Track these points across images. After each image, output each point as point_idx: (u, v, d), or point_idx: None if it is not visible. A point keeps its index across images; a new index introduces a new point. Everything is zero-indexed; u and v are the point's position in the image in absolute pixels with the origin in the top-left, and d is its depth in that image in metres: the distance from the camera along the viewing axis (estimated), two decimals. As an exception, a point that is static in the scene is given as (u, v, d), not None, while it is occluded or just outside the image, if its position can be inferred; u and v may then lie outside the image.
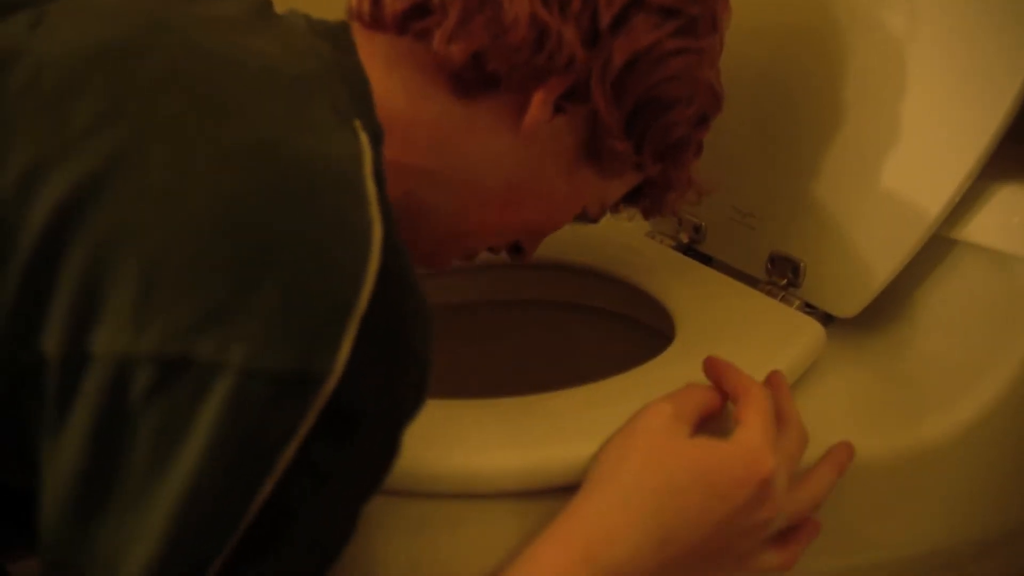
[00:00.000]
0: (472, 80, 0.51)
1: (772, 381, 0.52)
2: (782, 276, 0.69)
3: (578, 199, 0.59)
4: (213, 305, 0.33)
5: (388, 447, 0.39)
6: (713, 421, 0.49)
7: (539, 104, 0.52)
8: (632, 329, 0.77)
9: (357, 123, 0.41)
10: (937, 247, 0.61)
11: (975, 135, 0.57)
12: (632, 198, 0.63)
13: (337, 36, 0.48)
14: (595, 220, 0.63)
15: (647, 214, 0.65)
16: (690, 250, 0.79)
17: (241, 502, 0.34)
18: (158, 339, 0.33)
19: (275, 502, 0.35)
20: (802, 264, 0.68)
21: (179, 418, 0.33)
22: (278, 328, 0.34)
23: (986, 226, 0.59)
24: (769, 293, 0.69)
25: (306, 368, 0.34)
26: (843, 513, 0.58)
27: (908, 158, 0.61)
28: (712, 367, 0.50)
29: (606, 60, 0.52)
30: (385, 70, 0.50)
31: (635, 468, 0.44)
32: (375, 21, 0.52)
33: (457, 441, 0.48)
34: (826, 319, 0.65)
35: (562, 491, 0.46)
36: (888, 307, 0.65)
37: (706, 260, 0.78)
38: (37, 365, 0.34)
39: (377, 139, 0.44)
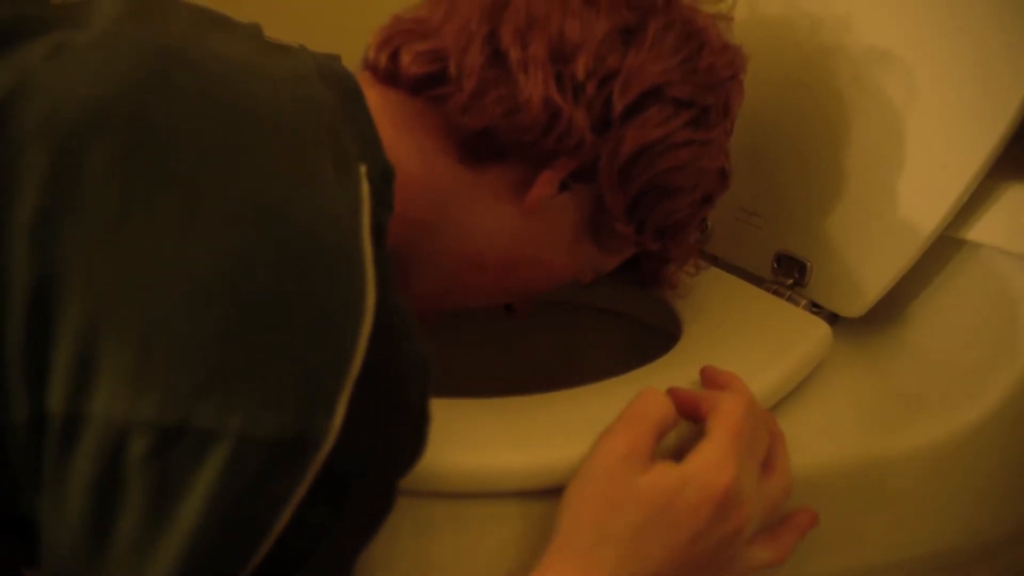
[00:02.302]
0: (481, 150, 0.52)
1: (770, 426, 0.51)
2: (788, 276, 0.69)
3: (575, 269, 0.60)
4: (211, 371, 0.34)
5: (383, 500, 0.40)
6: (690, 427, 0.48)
7: (545, 182, 0.53)
8: (638, 329, 0.77)
9: (362, 169, 0.41)
10: (944, 247, 0.61)
11: (982, 136, 0.57)
12: (630, 266, 0.63)
13: (344, 82, 0.48)
14: (588, 283, 0.64)
15: (645, 285, 0.66)
16: (696, 249, 0.79)
17: (237, 563, 0.35)
18: (155, 406, 0.33)
19: (270, 558, 0.36)
20: (808, 264, 0.68)
21: (176, 482, 0.34)
22: (275, 395, 0.34)
23: (994, 226, 0.59)
24: (775, 293, 0.69)
25: (302, 434, 0.34)
26: (846, 514, 0.58)
27: (915, 158, 0.61)
28: (681, 401, 0.48)
29: (615, 147, 0.52)
30: (394, 125, 0.51)
31: (593, 520, 0.43)
32: (390, 77, 0.53)
33: (462, 440, 0.48)
34: (832, 319, 0.65)
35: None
36: (895, 307, 0.65)
37: (711, 260, 0.78)
38: (40, 419, 0.34)
39: (387, 179, 0.45)
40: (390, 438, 0.38)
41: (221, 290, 0.34)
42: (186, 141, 0.36)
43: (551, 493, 0.47)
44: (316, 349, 0.35)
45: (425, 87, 0.52)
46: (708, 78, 0.54)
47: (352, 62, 0.54)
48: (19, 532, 0.37)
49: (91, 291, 0.34)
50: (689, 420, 0.48)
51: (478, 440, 0.48)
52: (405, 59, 0.52)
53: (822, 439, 0.57)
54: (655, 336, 0.70)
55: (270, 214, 0.36)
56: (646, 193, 0.55)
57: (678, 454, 0.47)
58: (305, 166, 0.38)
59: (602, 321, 0.81)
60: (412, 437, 0.39)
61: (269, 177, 0.37)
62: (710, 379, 0.52)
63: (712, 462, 0.44)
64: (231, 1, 0.55)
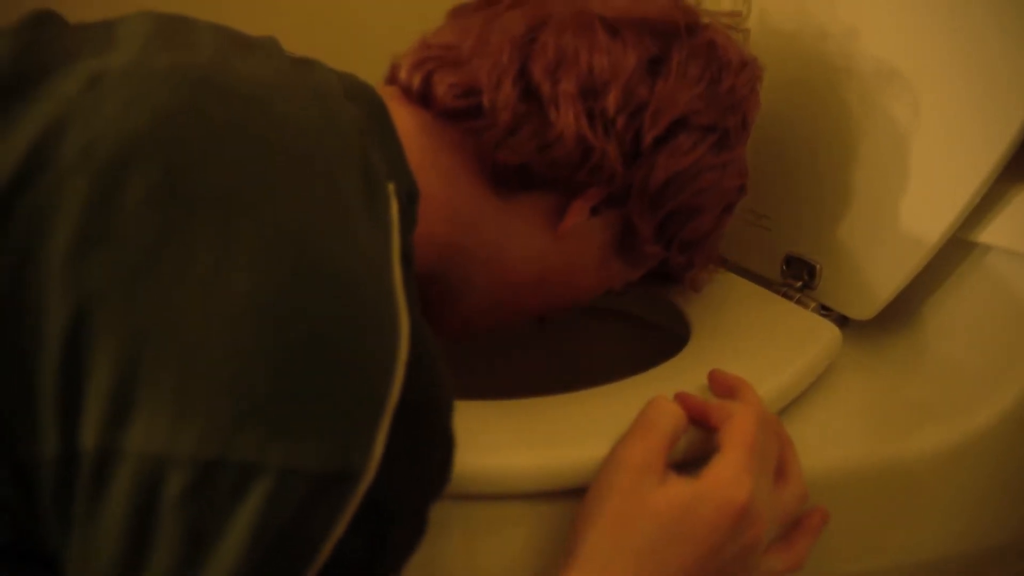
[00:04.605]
0: (512, 182, 0.53)
1: (779, 433, 0.50)
2: (797, 278, 0.69)
3: (605, 284, 0.61)
4: (250, 404, 0.33)
5: (416, 528, 0.39)
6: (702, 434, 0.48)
7: (576, 211, 0.54)
8: (647, 331, 0.77)
9: (391, 187, 0.41)
10: (955, 249, 0.61)
11: (994, 137, 0.57)
12: (655, 272, 0.64)
13: (369, 99, 0.48)
14: (618, 293, 0.65)
15: (668, 284, 0.67)
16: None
17: None
18: (194, 440, 0.32)
19: None
20: (818, 266, 0.67)
21: (215, 518, 0.33)
22: (315, 428, 0.33)
23: (1005, 228, 0.58)
24: (784, 295, 0.68)
25: (344, 467, 0.34)
26: (857, 518, 0.57)
27: (925, 160, 0.61)
28: (691, 409, 0.48)
29: (645, 176, 0.53)
30: (423, 147, 0.51)
31: (609, 535, 0.43)
32: (423, 100, 0.53)
33: (473, 442, 0.48)
34: (842, 321, 0.65)
35: (576, 492, 0.46)
36: (905, 309, 0.65)
37: (721, 262, 0.78)
38: (72, 455, 0.33)
39: (412, 199, 0.45)
40: (423, 465, 0.38)
41: (258, 322, 0.34)
42: (221, 172, 0.36)
43: (562, 495, 0.48)
44: (356, 380, 0.34)
45: (458, 119, 0.52)
46: (729, 99, 0.55)
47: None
48: (42, 571, 0.36)
49: (128, 323, 0.33)
50: (698, 427, 0.48)
51: (489, 442, 0.48)
52: (439, 88, 0.52)
53: (832, 442, 0.57)
54: (664, 338, 0.70)
55: (306, 244, 0.35)
56: (674, 216, 0.56)
57: (686, 460, 0.47)
58: (337, 192, 0.38)
59: (612, 323, 0.81)
60: (442, 462, 0.39)
61: (304, 206, 0.36)
62: (718, 383, 0.52)
63: (728, 478, 0.44)
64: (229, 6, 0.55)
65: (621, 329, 0.80)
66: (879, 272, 0.63)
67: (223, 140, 0.37)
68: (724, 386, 0.51)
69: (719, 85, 0.55)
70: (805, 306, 0.67)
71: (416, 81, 0.53)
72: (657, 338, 0.73)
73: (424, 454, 0.38)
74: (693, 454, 0.47)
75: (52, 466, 0.33)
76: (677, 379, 0.54)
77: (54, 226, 0.34)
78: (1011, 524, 0.63)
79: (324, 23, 1.00)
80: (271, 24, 0.53)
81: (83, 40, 0.42)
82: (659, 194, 0.54)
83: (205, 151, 0.36)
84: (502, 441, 0.48)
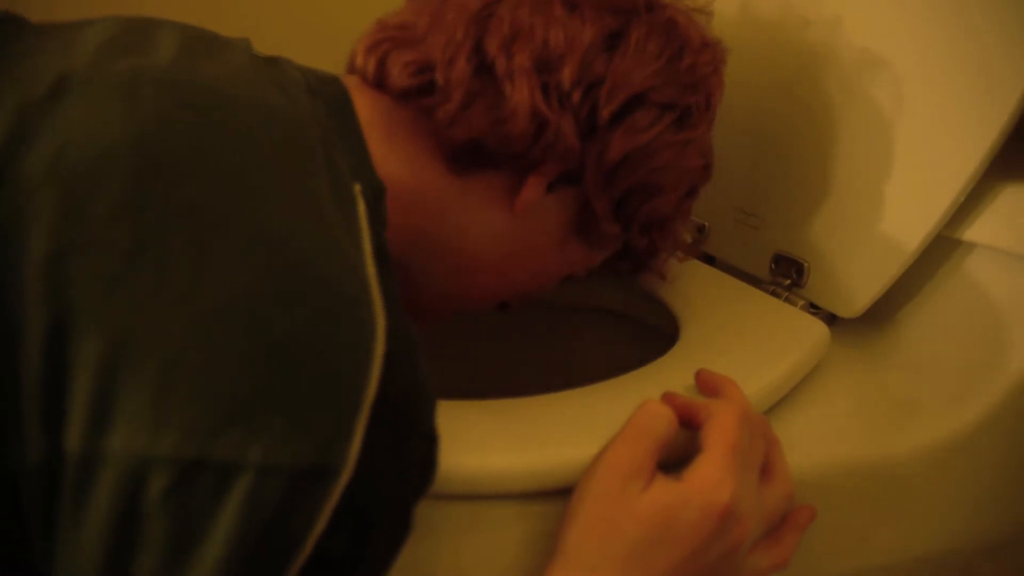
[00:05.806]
0: (469, 159, 0.52)
1: (765, 432, 0.50)
2: (786, 276, 0.69)
3: (566, 266, 0.61)
4: (228, 405, 0.33)
5: (400, 526, 0.39)
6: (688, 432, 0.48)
7: (532, 186, 0.54)
8: (636, 329, 0.77)
9: (357, 188, 0.41)
10: (942, 247, 0.61)
11: (980, 135, 0.57)
12: (620, 256, 0.64)
13: (333, 93, 0.48)
14: (580, 279, 0.64)
15: (635, 273, 0.66)
16: (693, 250, 0.79)
17: None
18: (174, 442, 0.33)
19: None
20: (806, 264, 0.68)
21: (197, 518, 0.33)
22: (293, 425, 0.34)
23: (992, 226, 0.58)
24: (773, 293, 0.69)
25: (322, 462, 0.34)
26: (849, 515, 0.58)
27: (912, 159, 0.61)
28: (677, 409, 0.48)
29: (600, 152, 0.53)
30: (384, 134, 0.51)
31: (596, 539, 0.43)
32: (379, 83, 0.53)
33: (461, 442, 0.48)
34: (830, 319, 0.65)
35: (565, 492, 0.46)
36: (893, 307, 0.65)
37: (709, 260, 0.78)
38: (56, 460, 0.33)
39: (379, 196, 0.45)
40: (404, 462, 0.38)
41: (234, 324, 0.34)
42: (190, 177, 0.36)
43: (549, 495, 0.47)
44: (331, 377, 0.35)
45: (413, 98, 0.52)
46: (690, 77, 0.55)
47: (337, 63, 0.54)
48: None
49: (106, 330, 0.33)
50: (684, 427, 0.48)
51: (476, 442, 0.48)
52: (393, 70, 0.52)
53: (820, 440, 0.57)
54: (653, 336, 0.70)
55: (278, 246, 0.36)
56: (631, 194, 0.55)
57: (670, 460, 0.47)
58: (306, 193, 0.38)
59: (600, 321, 0.81)
60: (425, 459, 0.39)
61: (274, 208, 0.37)
62: (704, 383, 0.52)
63: (711, 480, 0.44)
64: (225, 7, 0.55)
65: (609, 328, 0.81)
66: (866, 270, 0.63)
67: (190, 147, 0.37)
68: (710, 385, 0.51)
69: (679, 62, 0.54)
70: (793, 304, 0.67)
71: (371, 65, 0.53)
72: (645, 336, 0.73)
73: (406, 451, 0.38)
74: (678, 453, 0.47)
75: (38, 471, 0.33)
76: (665, 378, 0.54)
77: (26, 240, 0.34)
78: (1001, 521, 0.63)
79: (320, 22, 1.00)
80: (265, 23, 0.53)
81: (42, 41, 0.42)
82: (615, 171, 0.54)
83: (172, 159, 0.36)
84: (490, 441, 0.48)
